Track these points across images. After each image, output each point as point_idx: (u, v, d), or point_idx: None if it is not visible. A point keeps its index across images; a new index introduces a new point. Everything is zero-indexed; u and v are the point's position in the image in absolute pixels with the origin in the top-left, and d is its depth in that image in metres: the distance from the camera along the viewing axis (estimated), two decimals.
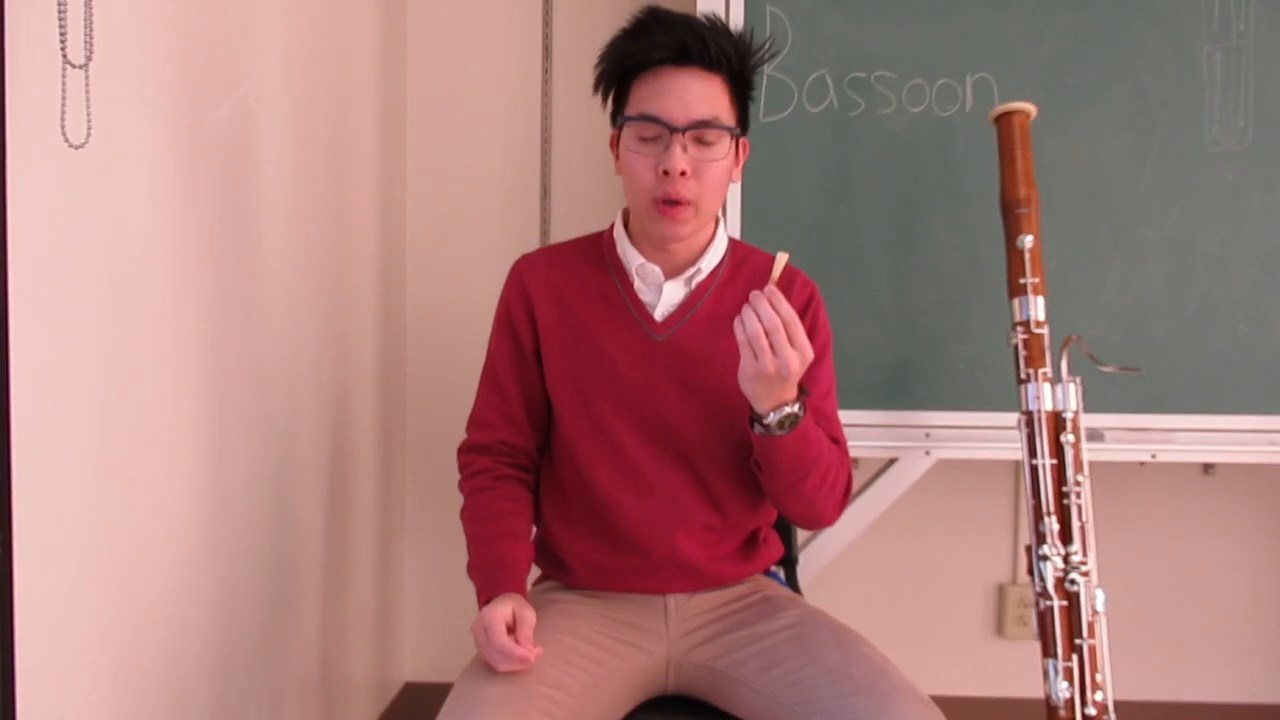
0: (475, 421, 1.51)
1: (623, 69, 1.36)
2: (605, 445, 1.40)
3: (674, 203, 1.32)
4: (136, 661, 1.22)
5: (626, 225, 1.46)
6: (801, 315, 1.38)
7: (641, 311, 1.42)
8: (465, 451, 1.52)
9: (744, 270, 1.45)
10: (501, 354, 1.48)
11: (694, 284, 1.42)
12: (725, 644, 1.39)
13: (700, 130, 1.31)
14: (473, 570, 1.41)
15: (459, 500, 2.34)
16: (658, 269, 1.41)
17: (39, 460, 1.01)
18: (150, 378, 1.23)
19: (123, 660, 1.19)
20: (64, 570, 1.08)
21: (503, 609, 1.29)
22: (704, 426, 1.40)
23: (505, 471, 1.48)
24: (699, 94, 1.31)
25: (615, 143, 1.41)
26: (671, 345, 1.40)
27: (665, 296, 1.41)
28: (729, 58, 1.33)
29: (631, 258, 1.41)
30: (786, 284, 1.43)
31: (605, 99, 1.41)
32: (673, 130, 1.30)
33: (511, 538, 1.41)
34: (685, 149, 1.31)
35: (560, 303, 1.42)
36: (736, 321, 1.23)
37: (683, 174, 1.31)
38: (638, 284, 1.42)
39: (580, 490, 1.43)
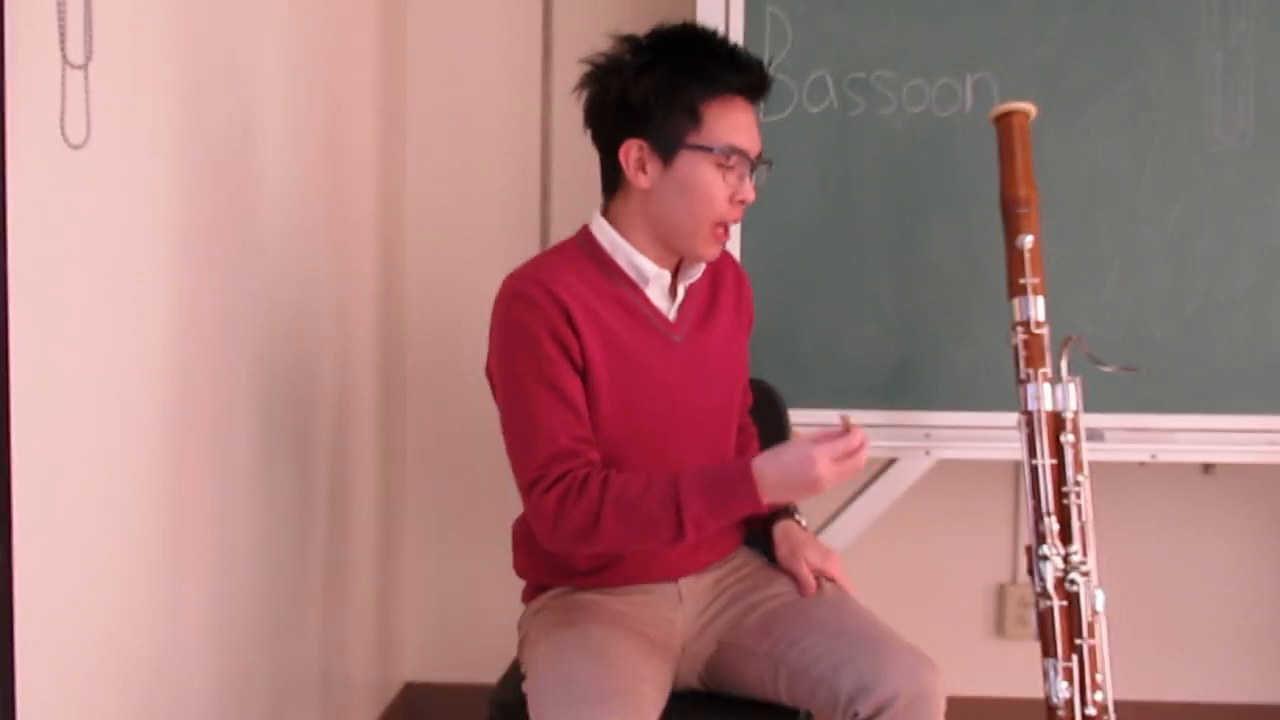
0: (559, 455, 1.32)
1: (712, 93, 1.36)
2: (650, 451, 1.41)
3: (727, 228, 1.40)
4: (136, 661, 1.22)
5: (619, 233, 1.44)
6: (740, 295, 1.53)
7: (658, 317, 1.44)
8: (551, 483, 1.31)
9: (707, 266, 1.49)
10: (562, 373, 1.35)
11: (686, 286, 1.47)
12: (728, 618, 1.45)
13: (762, 162, 1.40)
14: (707, 503, 1.27)
15: (459, 500, 2.34)
16: (667, 275, 1.44)
17: (39, 460, 1.01)
18: (150, 377, 1.23)
19: (122, 659, 1.19)
20: (64, 570, 1.08)
21: (786, 447, 1.27)
22: (718, 413, 1.49)
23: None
24: (756, 126, 1.40)
25: (645, 153, 1.38)
26: (687, 345, 1.45)
27: (676, 298, 1.46)
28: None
29: (646, 266, 1.42)
30: (723, 264, 1.51)
31: (647, 102, 1.36)
32: (752, 165, 1.39)
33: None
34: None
35: (594, 316, 1.38)
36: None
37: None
38: (651, 291, 1.44)
39: None
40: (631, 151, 1.39)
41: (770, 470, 1.26)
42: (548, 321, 1.35)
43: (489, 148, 2.25)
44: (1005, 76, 1.88)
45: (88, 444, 1.11)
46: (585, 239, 1.46)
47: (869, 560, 2.24)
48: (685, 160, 1.36)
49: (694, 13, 1.89)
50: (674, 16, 2.15)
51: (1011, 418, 1.56)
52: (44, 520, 1.03)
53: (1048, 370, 1.52)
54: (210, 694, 1.41)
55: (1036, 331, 1.53)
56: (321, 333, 1.79)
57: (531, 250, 2.26)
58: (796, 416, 1.78)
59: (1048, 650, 1.47)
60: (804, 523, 1.54)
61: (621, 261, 1.43)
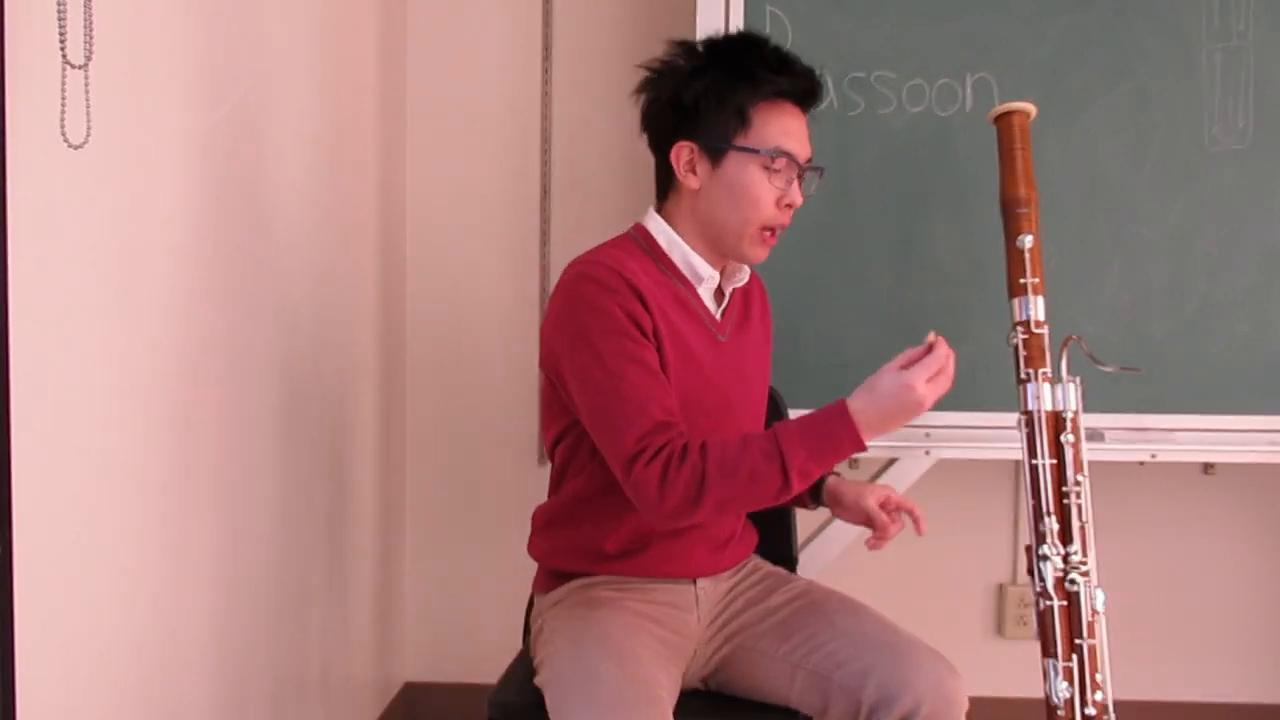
0: (656, 427, 1.31)
1: (761, 96, 1.38)
2: None
3: (774, 232, 1.43)
4: (136, 660, 1.22)
5: (676, 233, 1.46)
6: (764, 304, 1.60)
7: (708, 315, 1.46)
8: (652, 456, 1.29)
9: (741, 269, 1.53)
10: (644, 348, 1.34)
11: (731, 290, 1.50)
12: (743, 621, 1.47)
13: (811, 169, 1.43)
14: (810, 450, 1.27)
15: (459, 500, 2.34)
16: (718, 276, 1.47)
17: (39, 460, 1.01)
18: (150, 377, 1.23)
19: (122, 659, 1.19)
20: (64, 570, 1.08)
21: (878, 379, 1.28)
22: (753, 411, 1.54)
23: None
24: (806, 132, 1.44)
25: (694, 154, 1.41)
26: (730, 345, 1.48)
27: (723, 301, 1.50)
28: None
29: (701, 266, 1.45)
30: (751, 281, 1.55)
31: (698, 104, 1.39)
32: (800, 170, 1.41)
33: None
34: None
35: (660, 308, 1.39)
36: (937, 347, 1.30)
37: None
38: (702, 290, 1.46)
39: None
40: (682, 153, 1.42)
41: (867, 406, 1.27)
42: (623, 301, 1.35)
43: (489, 148, 2.25)
44: (1005, 76, 1.88)
45: (87, 444, 1.11)
46: (641, 235, 1.47)
47: (869, 560, 2.23)
48: (733, 162, 1.39)
49: (694, 13, 1.89)
50: (674, 16, 2.17)
51: (1011, 418, 1.56)
52: (44, 520, 1.03)
53: (1048, 370, 1.52)
54: (210, 694, 1.41)
55: (1036, 331, 1.52)
56: (322, 332, 1.79)
57: (532, 250, 2.27)
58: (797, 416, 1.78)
59: (1048, 650, 1.47)
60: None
61: (677, 259, 1.45)
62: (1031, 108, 1.62)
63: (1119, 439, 1.87)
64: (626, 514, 1.41)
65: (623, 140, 2.24)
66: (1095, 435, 1.84)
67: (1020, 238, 1.56)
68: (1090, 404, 1.56)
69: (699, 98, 1.39)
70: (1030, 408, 1.51)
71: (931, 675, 1.32)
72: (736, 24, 1.88)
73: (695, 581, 1.47)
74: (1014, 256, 1.56)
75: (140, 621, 1.23)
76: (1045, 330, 1.53)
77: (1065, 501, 1.49)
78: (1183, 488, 2.23)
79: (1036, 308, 1.53)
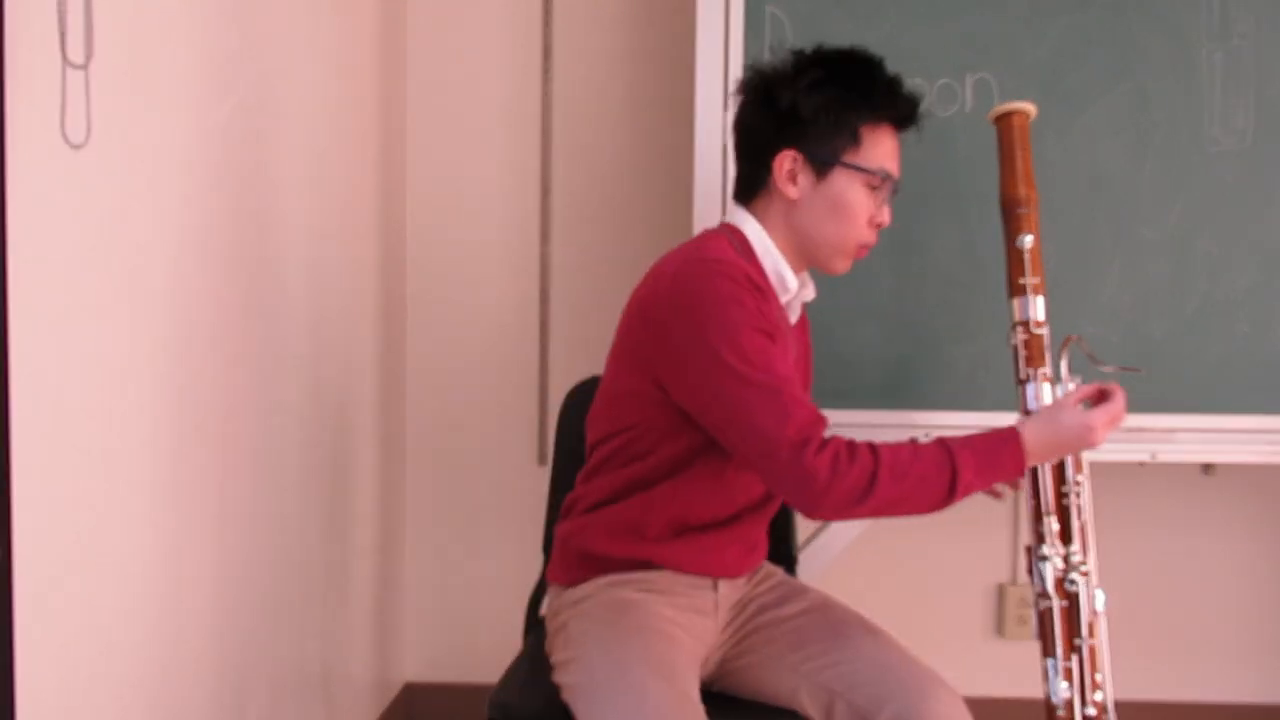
0: (816, 417, 1.32)
1: (874, 117, 1.41)
2: None
3: (867, 247, 1.47)
4: (137, 660, 1.22)
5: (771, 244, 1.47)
6: (806, 324, 1.61)
7: (786, 325, 1.48)
8: (820, 446, 1.29)
9: None
10: (782, 358, 1.36)
11: (802, 302, 1.54)
12: (755, 625, 1.48)
13: (899, 190, 1.48)
14: (978, 468, 1.31)
15: (459, 500, 2.34)
16: (797, 288, 1.49)
17: (39, 460, 1.01)
18: (150, 377, 1.23)
19: (123, 659, 1.19)
20: (64, 570, 1.08)
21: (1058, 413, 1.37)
22: None
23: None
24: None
25: (798, 164, 1.42)
26: (799, 353, 1.52)
27: (794, 312, 1.52)
28: None
29: (789, 279, 1.46)
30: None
31: (815, 116, 1.40)
32: (895, 191, 1.46)
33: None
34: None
35: (774, 319, 1.41)
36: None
37: None
38: (786, 299, 1.48)
39: (721, 489, 1.44)
40: (785, 161, 1.42)
41: (1042, 437, 1.35)
42: (759, 302, 1.36)
43: (489, 148, 2.25)
44: (1005, 76, 1.88)
45: (88, 444, 1.11)
46: (735, 238, 1.46)
47: (869, 561, 2.24)
48: (839, 177, 1.42)
49: (694, 13, 1.89)
50: (674, 17, 2.17)
51: (1011, 418, 1.56)
52: (44, 520, 1.03)
53: (1048, 370, 1.52)
54: (210, 693, 1.41)
55: (1036, 331, 1.52)
56: (322, 333, 1.79)
57: (532, 250, 2.27)
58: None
59: (1047, 650, 1.47)
60: None
61: (768, 267, 1.45)
62: (1031, 108, 1.62)
63: (1119, 439, 1.86)
64: (671, 504, 1.42)
65: (623, 140, 2.24)
66: None
67: (1020, 238, 1.56)
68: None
69: (817, 111, 1.40)
70: (1030, 408, 1.51)
71: (947, 715, 1.33)
72: (736, 25, 1.87)
73: (717, 586, 1.47)
74: (1014, 256, 1.56)
75: (140, 621, 1.23)
76: (1045, 330, 1.53)
77: (1065, 501, 1.49)
78: (1183, 488, 2.23)
79: (1036, 308, 1.53)
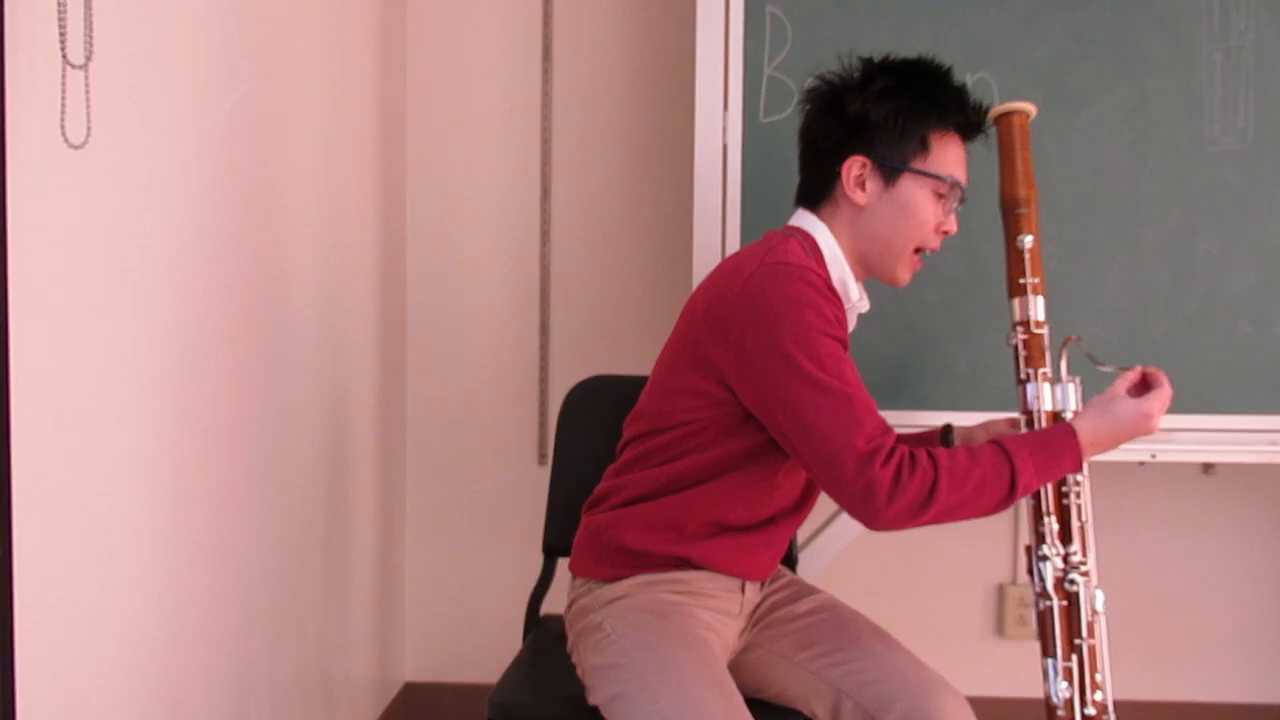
0: (883, 426, 1.32)
1: (945, 125, 1.42)
2: None
3: (922, 256, 1.47)
4: (136, 660, 1.22)
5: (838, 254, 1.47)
6: None
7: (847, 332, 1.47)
8: (887, 455, 1.29)
9: None
10: (852, 367, 1.35)
11: (858, 314, 1.54)
12: (767, 622, 1.50)
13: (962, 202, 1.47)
14: (1038, 466, 1.33)
15: (459, 500, 2.34)
16: (859, 298, 1.50)
17: (39, 460, 1.01)
18: (150, 378, 1.23)
19: (122, 659, 1.19)
20: (64, 570, 1.08)
21: (1112, 404, 1.37)
22: None
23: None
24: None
25: (866, 170, 1.42)
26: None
27: (852, 324, 1.51)
28: None
29: (853, 288, 1.47)
30: None
31: (885, 122, 1.40)
32: (962, 199, 1.46)
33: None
34: None
35: (846, 328, 1.41)
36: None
37: None
38: (849, 308, 1.48)
39: (763, 494, 1.44)
40: (854, 167, 1.43)
41: (1097, 429, 1.36)
42: (835, 309, 1.36)
43: (489, 148, 2.26)
44: (1005, 76, 1.88)
45: (88, 444, 1.11)
46: (808, 243, 1.45)
47: (869, 560, 2.24)
48: (908, 183, 1.42)
49: (694, 13, 1.89)
50: (673, 18, 2.17)
51: (1011, 418, 1.56)
52: (44, 521, 1.03)
53: (1048, 370, 1.51)
54: (210, 694, 1.41)
55: (1036, 331, 1.52)
56: (322, 333, 1.79)
57: (532, 250, 2.27)
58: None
59: (1047, 650, 1.47)
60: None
61: (834, 275, 1.45)
62: (1031, 108, 1.62)
63: None
64: (712, 504, 1.42)
65: (623, 140, 2.24)
66: None
67: (1020, 238, 1.55)
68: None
69: (887, 117, 1.41)
70: (1030, 408, 1.51)
71: (956, 715, 1.34)
72: (736, 25, 1.87)
73: (744, 589, 1.48)
74: (1014, 256, 1.56)
75: (140, 621, 1.23)
76: (1045, 330, 1.53)
77: (1065, 501, 1.48)
78: (1183, 488, 2.23)
79: (1036, 308, 1.53)
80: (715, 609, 1.44)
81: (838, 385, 1.29)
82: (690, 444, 1.43)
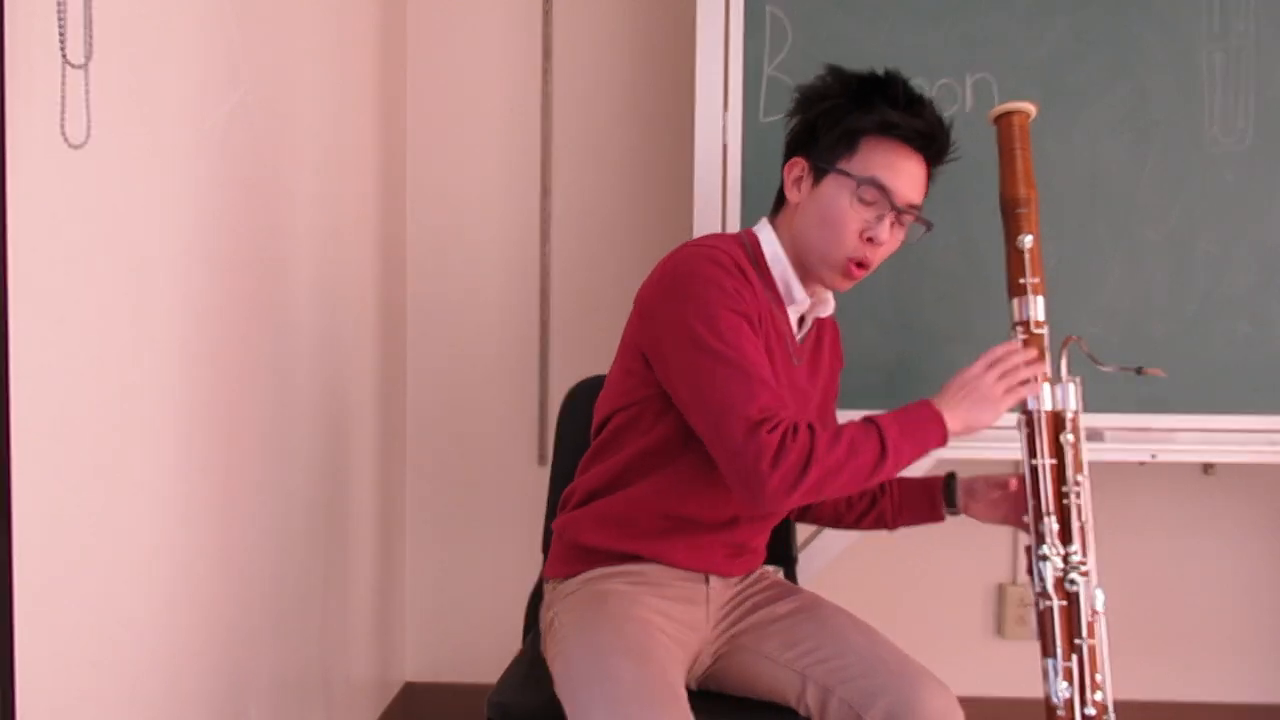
0: (778, 399, 1.33)
1: (872, 126, 1.40)
2: None
3: (862, 265, 1.43)
4: (137, 661, 1.22)
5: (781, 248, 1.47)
6: (835, 345, 1.62)
7: (790, 337, 1.48)
8: (775, 424, 1.30)
9: None
10: (754, 342, 1.36)
11: (814, 317, 1.53)
12: (747, 623, 1.49)
13: (909, 213, 1.43)
14: (901, 427, 1.35)
15: (458, 500, 2.34)
16: (808, 302, 1.49)
17: (39, 460, 1.01)
18: (150, 378, 1.23)
19: (123, 659, 1.19)
20: (65, 570, 1.08)
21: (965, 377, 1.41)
22: None
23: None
24: (919, 180, 1.44)
25: (803, 171, 1.44)
26: (803, 371, 1.50)
27: (804, 328, 1.52)
28: (944, 158, 1.47)
29: (796, 289, 1.47)
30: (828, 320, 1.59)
31: (817, 124, 1.43)
32: (893, 208, 1.41)
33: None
34: (892, 225, 1.42)
35: (760, 313, 1.41)
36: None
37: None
38: (790, 311, 1.48)
39: (713, 486, 1.42)
40: (794, 169, 1.45)
41: (950, 393, 1.40)
42: (740, 286, 1.37)
43: (489, 147, 2.26)
44: (1005, 76, 1.88)
45: (89, 444, 1.11)
46: (750, 242, 1.48)
47: (869, 561, 2.24)
48: (830, 184, 1.42)
49: (694, 13, 1.89)
50: (673, 18, 2.17)
51: (1011, 418, 1.56)
52: (45, 521, 1.03)
53: (1048, 370, 1.52)
54: (211, 693, 1.41)
55: (1036, 331, 1.52)
56: (321, 332, 1.79)
57: (532, 250, 2.27)
58: None
59: (1047, 650, 1.47)
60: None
61: (776, 275, 1.46)
62: (1031, 107, 1.62)
63: (1119, 439, 1.87)
64: (660, 496, 1.43)
65: (623, 140, 2.24)
66: (1095, 435, 1.83)
67: (1020, 238, 1.55)
68: (1090, 404, 1.56)
69: (819, 117, 1.43)
70: (1030, 408, 1.51)
71: (941, 708, 1.34)
72: (736, 25, 1.87)
73: (708, 580, 1.48)
74: (1014, 256, 1.56)
75: (141, 621, 1.23)
76: (1045, 330, 1.53)
77: (1065, 501, 1.49)
78: (1183, 488, 2.23)
79: (1036, 308, 1.53)
80: (672, 596, 1.44)
81: (734, 356, 1.32)
82: (632, 430, 1.45)
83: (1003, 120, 1.61)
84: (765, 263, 1.46)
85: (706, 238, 1.46)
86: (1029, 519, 1.50)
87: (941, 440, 1.37)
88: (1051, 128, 1.84)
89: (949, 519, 1.62)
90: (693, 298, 1.35)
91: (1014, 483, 1.56)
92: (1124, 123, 1.88)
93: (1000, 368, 1.42)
